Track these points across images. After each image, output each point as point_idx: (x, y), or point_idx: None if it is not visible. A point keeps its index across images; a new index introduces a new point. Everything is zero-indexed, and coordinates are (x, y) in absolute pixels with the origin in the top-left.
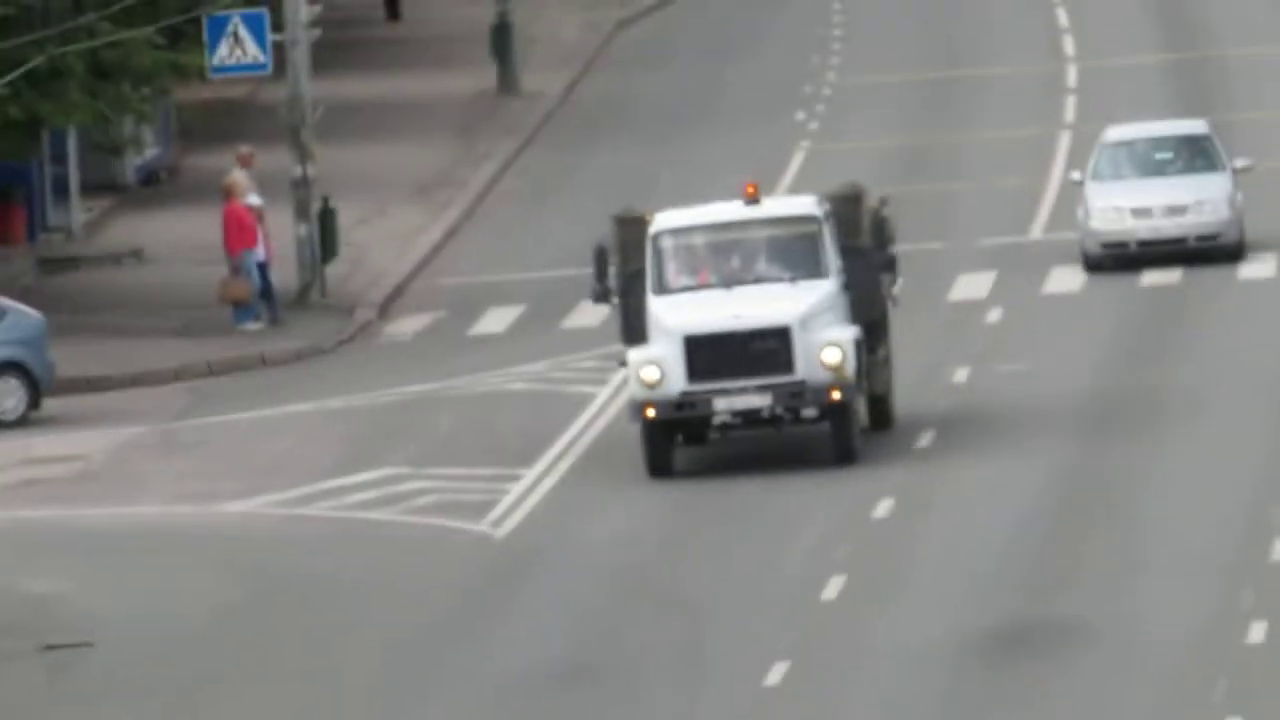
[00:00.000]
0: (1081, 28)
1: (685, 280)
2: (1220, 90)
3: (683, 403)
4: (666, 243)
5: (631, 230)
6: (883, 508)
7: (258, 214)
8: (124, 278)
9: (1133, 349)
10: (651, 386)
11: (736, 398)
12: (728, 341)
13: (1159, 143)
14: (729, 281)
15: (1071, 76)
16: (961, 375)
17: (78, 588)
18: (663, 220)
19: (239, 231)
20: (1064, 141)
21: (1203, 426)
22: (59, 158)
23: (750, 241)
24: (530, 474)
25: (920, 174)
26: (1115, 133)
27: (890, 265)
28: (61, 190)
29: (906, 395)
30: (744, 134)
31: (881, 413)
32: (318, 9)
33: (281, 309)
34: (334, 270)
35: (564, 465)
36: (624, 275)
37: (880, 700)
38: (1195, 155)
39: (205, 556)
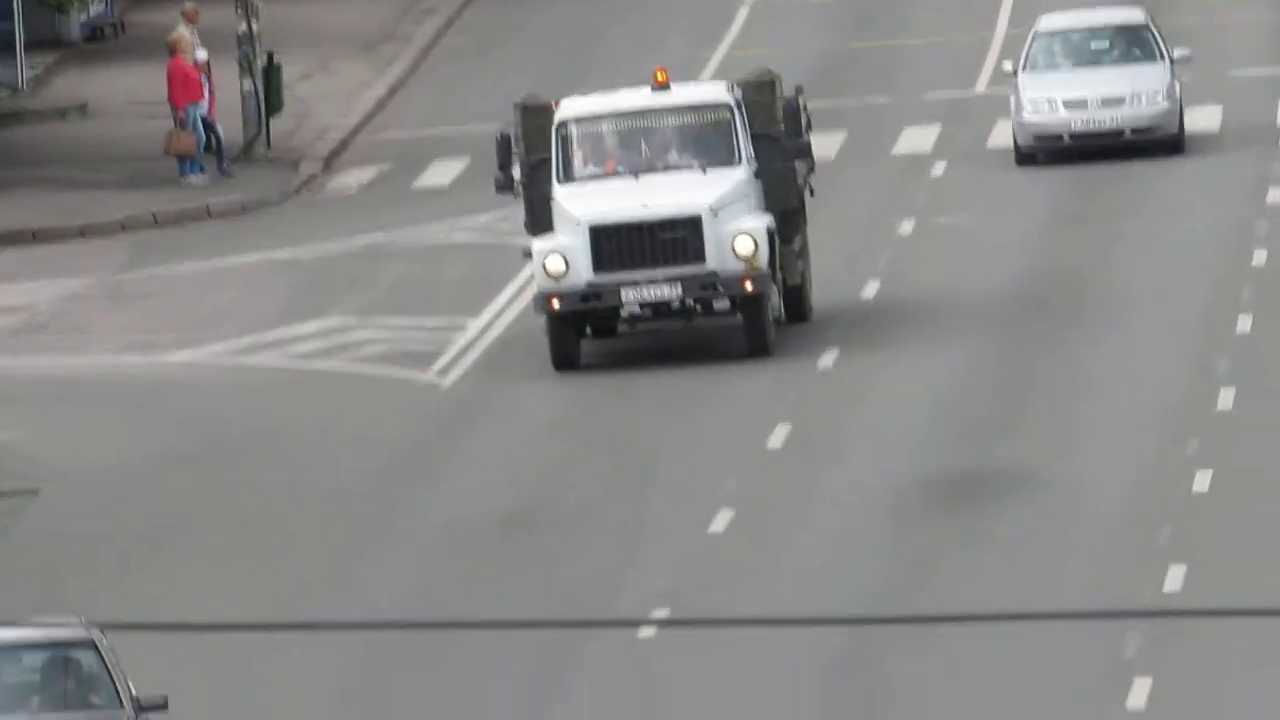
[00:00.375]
0: None
1: (592, 169)
2: None
3: (589, 294)
4: (572, 130)
5: (536, 118)
6: (827, 358)
7: (204, 69)
8: (70, 132)
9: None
10: (557, 278)
11: (645, 288)
12: (635, 231)
13: (1095, 32)
14: (637, 170)
15: None
16: (906, 228)
17: (25, 436)
18: (568, 107)
19: (184, 86)
20: None
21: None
22: (4, 14)
23: (659, 129)
24: (475, 324)
25: (867, 30)
26: (1049, 21)
27: (805, 153)
28: (7, 46)
29: (852, 247)
30: None
31: (798, 304)
32: None
33: (228, 162)
34: (279, 124)
35: (509, 316)
36: (528, 164)
37: (825, 542)
38: (1132, 45)
39: (152, 406)
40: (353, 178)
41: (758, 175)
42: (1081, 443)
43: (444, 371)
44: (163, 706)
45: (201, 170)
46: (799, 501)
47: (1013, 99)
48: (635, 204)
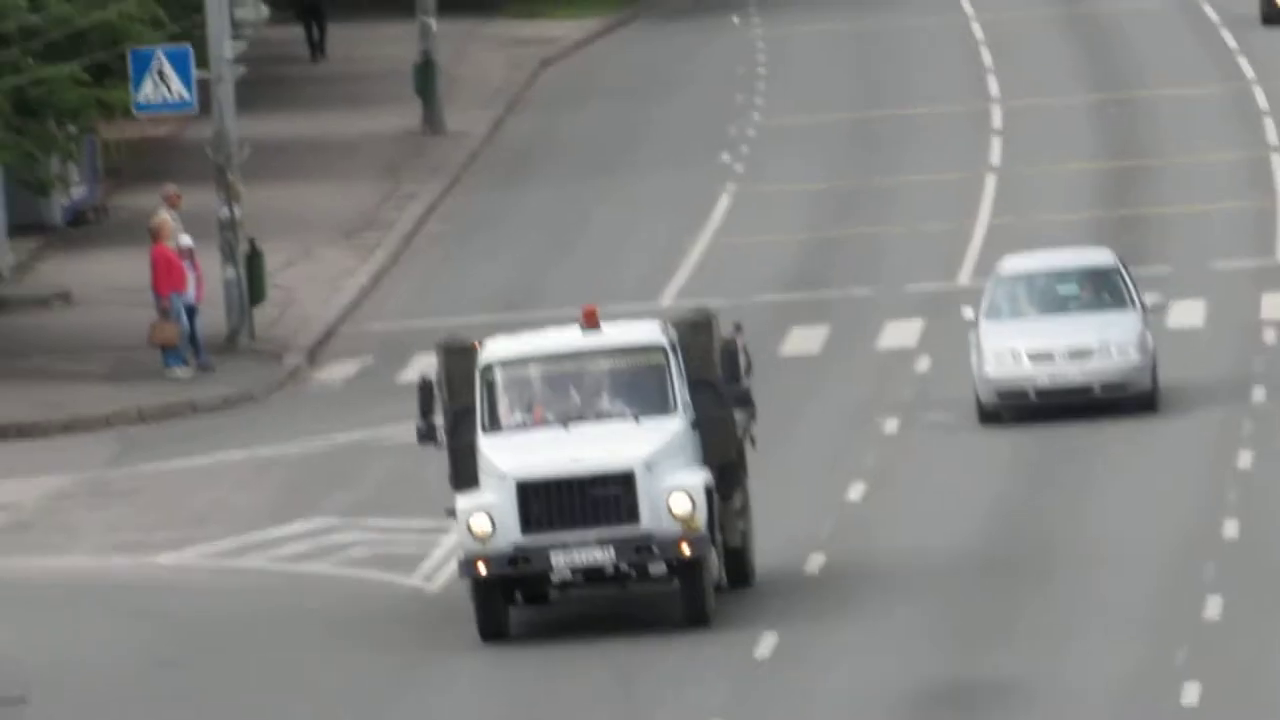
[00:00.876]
0: (1006, 67)
1: (519, 417)
2: (1148, 131)
3: (516, 557)
4: (497, 375)
5: (459, 361)
6: (768, 641)
7: (189, 254)
8: (53, 320)
9: None
10: (483, 540)
11: (576, 552)
12: (565, 488)
13: (1060, 276)
14: (566, 419)
15: (997, 117)
16: (891, 426)
17: (12, 640)
18: (492, 350)
19: (167, 273)
20: (990, 184)
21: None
22: None
23: (590, 374)
24: None
25: (848, 218)
26: (1012, 264)
27: (745, 400)
28: None
29: (838, 444)
30: (670, 175)
31: (739, 568)
32: (242, 45)
33: (208, 354)
34: (262, 314)
35: None
36: (452, 412)
37: None
38: (1101, 290)
39: (141, 608)
40: (337, 371)
41: (694, 425)
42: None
43: (429, 577)
44: None
45: (185, 362)
46: None
47: (973, 352)
48: (565, 457)
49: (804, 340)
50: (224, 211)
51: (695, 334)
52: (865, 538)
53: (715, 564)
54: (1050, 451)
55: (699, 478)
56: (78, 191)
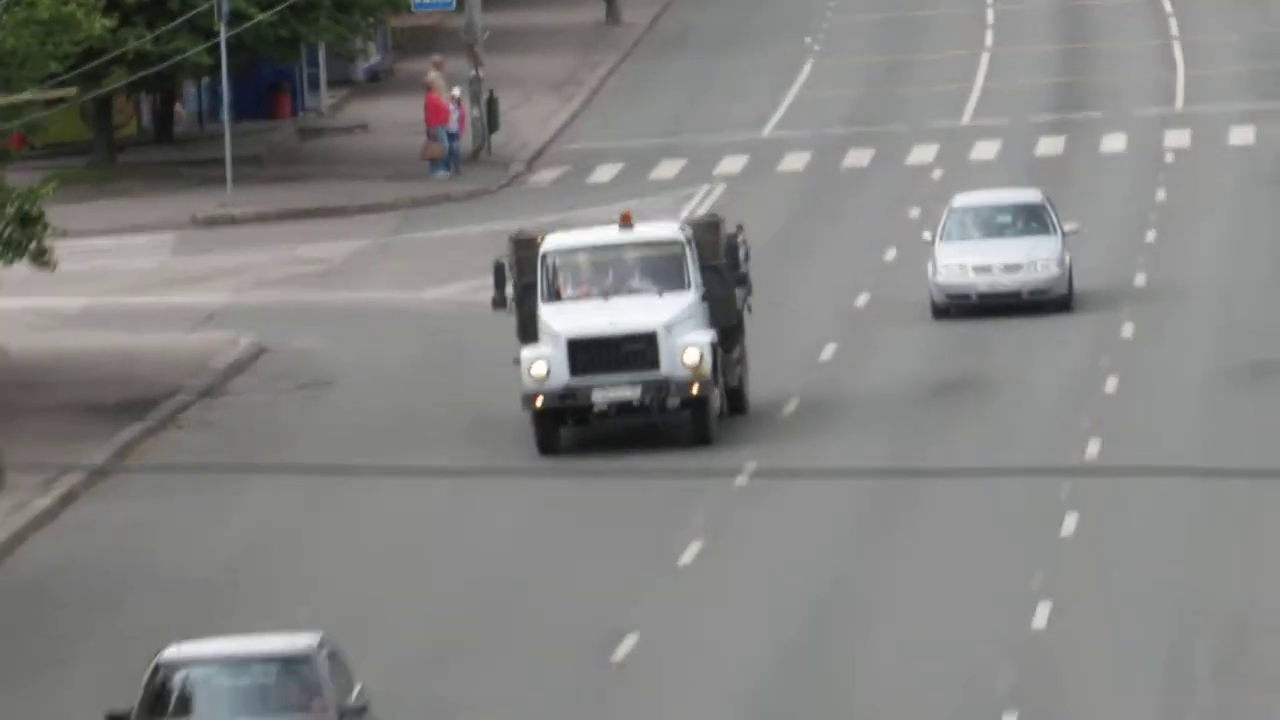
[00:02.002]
0: None
1: (570, 291)
2: (1090, 25)
3: (566, 394)
4: (555, 260)
5: (525, 249)
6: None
7: (455, 100)
8: (355, 142)
9: None
10: (540, 380)
11: (611, 390)
12: (604, 343)
13: (999, 209)
14: (607, 293)
15: (990, 17)
16: (915, 212)
17: (324, 346)
18: (551, 241)
19: (434, 112)
20: (984, 59)
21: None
22: (312, 61)
23: (624, 260)
24: None
25: (888, 80)
26: (962, 199)
27: (743, 282)
28: (314, 83)
29: (879, 228)
30: (771, 51)
31: (737, 401)
32: None
33: (460, 164)
34: (496, 139)
35: None
36: (519, 286)
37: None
38: (1030, 219)
39: (410, 326)
40: (545, 176)
41: (704, 299)
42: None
43: None
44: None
45: (445, 169)
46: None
47: (929, 265)
48: (604, 321)
49: (857, 158)
50: (472, 73)
51: (706, 232)
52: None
53: (718, 400)
54: (984, 332)
55: (706, 336)
56: (374, 59)
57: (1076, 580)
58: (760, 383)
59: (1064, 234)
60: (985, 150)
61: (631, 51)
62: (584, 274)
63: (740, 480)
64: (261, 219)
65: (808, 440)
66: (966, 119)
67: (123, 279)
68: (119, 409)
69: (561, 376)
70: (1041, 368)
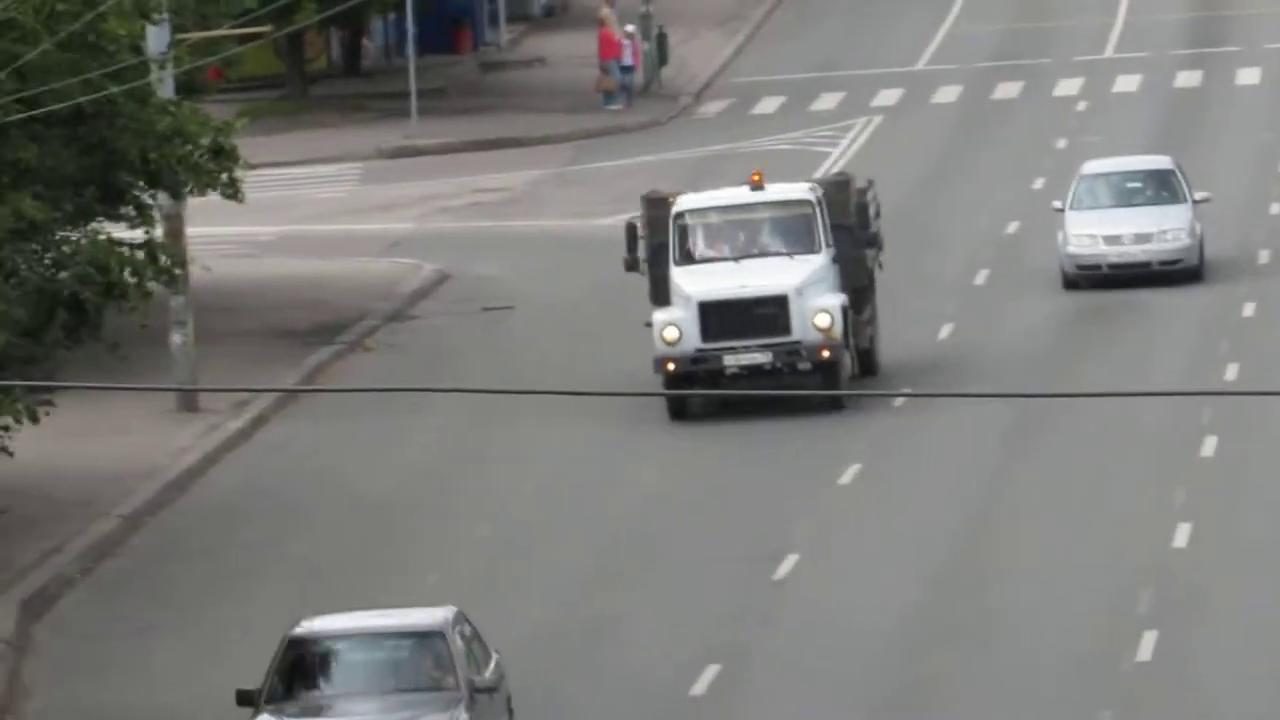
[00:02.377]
0: None
1: (702, 252)
2: None
3: (698, 358)
4: (687, 221)
5: (657, 209)
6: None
7: (629, 36)
8: (533, 76)
9: None
10: (672, 344)
11: (743, 355)
12: (735, 307)
13: (1129, 176)
14: (738, 254)
15: None
16: (1062, 143)
17: (505, 272)
18: (683, 202)
19: (607, 46)
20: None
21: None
22: None
23: (755, 221)
24: None
25: (1036, 18)
26: (1091, 166)
27: (873, 242)
28: (494, 19)
29: (1028, 155)
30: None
31: (868, 362)
32: None
33: (632, 97)
34: (666, 72)
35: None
36: (651, 247)
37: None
38: (1161, 188)
39: (585, 253)
40: (712, 108)
41: (835, 260)
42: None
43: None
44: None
45: (618, 102)
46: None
47: (1059, 234)
48: (735, 284)
49: (1006, 90)
50: (642, 9)
51: (837, 191)
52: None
53: (850, 362)
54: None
55: (837, 299)
56: None
57: (1217, 501)
58: (914, 309)
59: (1194, 202)
60: (1127, 83)
61: None
62: (716, 235)
63: (896, 403)
64: (444, 150)
65: (959, 367)
66: (1109, 52)
67: (313, 208)
68: (309, 333)
69: (694, 340)
70: (1179, 298)
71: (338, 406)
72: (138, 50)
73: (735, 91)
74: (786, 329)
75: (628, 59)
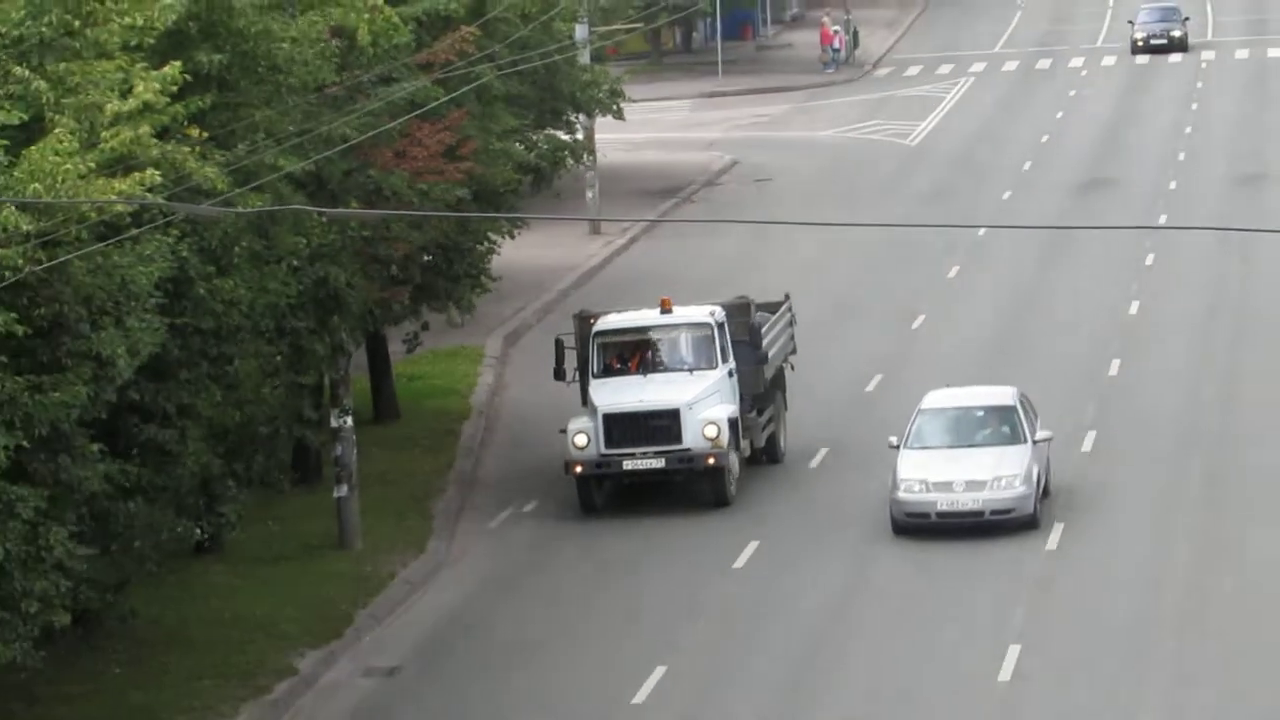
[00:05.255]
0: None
1: (616, 367)
2: None
3: (601, 463)
4: (604, 339)
5: (585, 327)
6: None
7: (836, 30)
8: (787, 53)
9: None
10: (581, 449)
11: (640, 460)
12: (634, 419)
13: (966, 413)
14: (646, 369)
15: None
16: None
17: (768, 159)
18: (602, 322)
19: (825, 37)
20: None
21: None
22: (763, 9)
23: (662, 340)
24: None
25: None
26: (931, 399)
27: (763, 360)
28: (764, 20)
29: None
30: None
31: (772, 452)
32: None
33: (839, 66)
34: (858, 53)
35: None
36: (580, 358)
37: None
38: (1001, 424)
39: (815, 149)
40: (881, 72)
41: (732, 373)
42: None
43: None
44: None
45: (831, 68)
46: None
47: (891, 474)
48: (635, 399)
49: (1043, 64)
50: (845, 16)
51: (738, 313)
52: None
53: (737, 465)
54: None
55: (726, 411)
56: (794, 10)
57: None
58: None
59: (1035, 443)
60: (1108, 60)
61: (928, 5)
62: (627, 352)
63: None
64: (736, 93)
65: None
66: (1099, 43)
67: (664, 125)
68: (661, 192)
69: (599, 446)
70: None
71: (679, 231)
72: (570, 36)
73: (894, 63)
74: (678, 438)
75: (836, 44)
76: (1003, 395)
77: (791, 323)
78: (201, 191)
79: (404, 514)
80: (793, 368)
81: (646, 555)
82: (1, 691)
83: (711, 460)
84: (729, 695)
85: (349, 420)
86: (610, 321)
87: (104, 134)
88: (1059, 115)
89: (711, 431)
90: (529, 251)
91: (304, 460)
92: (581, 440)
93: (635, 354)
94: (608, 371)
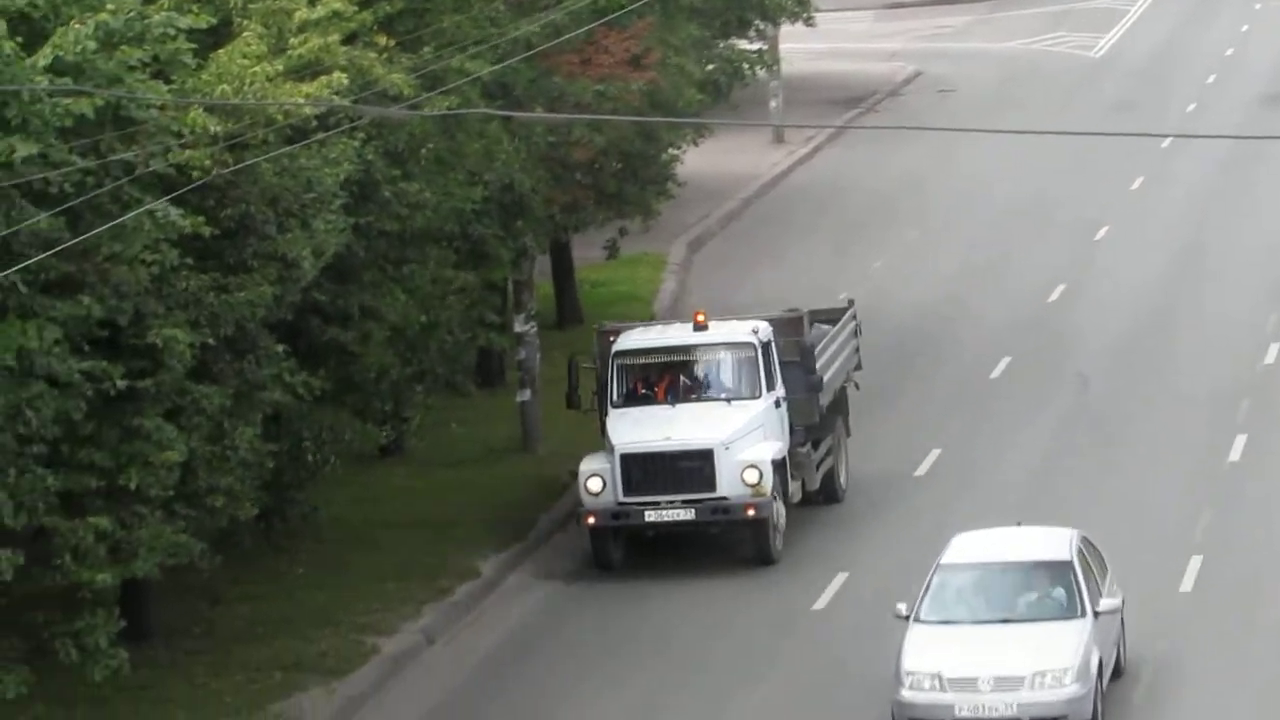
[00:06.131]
0: None
1: (639, 394)
2: None
3: (619, 513)
4: (625, 361)
5: (607, 344)
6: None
7: None
8: None
9: None
10: (595, 495)
11: (665, 510)
12: (659, 460)
13: (1005, 571)
14: (675, 398)
15: None
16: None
17: (950, 71)
18: (623, 341)
19: None
20: None
21: None
22: None
23: (695, 363)
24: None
25: None
26: (957, 549)
27: (817, 386)
28: None
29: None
30: None
31: (830, 491)
32: None
33: None
34: None
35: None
36: (600, 380)
37: None
38: (1051, 587)
39: (994, 60)
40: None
41: (780, 403)
42: None
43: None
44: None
45: None
46: None
47: (895, 663)
48: (660, 436)
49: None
50: None
51: (788, 329)
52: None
53: (782, 514)
54: None
55: (770, 451)
56: None
57: None
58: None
59: (1098, 615)
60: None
61: None
62: (654, 376)
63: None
64: (919, 3)
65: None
66: None
67: (847, 36)
68: (845, 102)
69: (616, 493)
70: None
71: (861, 141)
72: None
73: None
74: (711, 485)
75: None
76: (1056, 544)
77: (856, 333)
78: (388, 96)
79: (586, 419)
80: (857, 386)
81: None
82: (186, 591)
83: (752, 511)
84: None
85: (533, 325)
86: (632, 339)
87: (292, 41)
88: (1244, 29)
89: (752, 477)
90: (712, 159)
91: (487, 364)
92: (595, 485)
93: (662, 379)
94: (630, 399)
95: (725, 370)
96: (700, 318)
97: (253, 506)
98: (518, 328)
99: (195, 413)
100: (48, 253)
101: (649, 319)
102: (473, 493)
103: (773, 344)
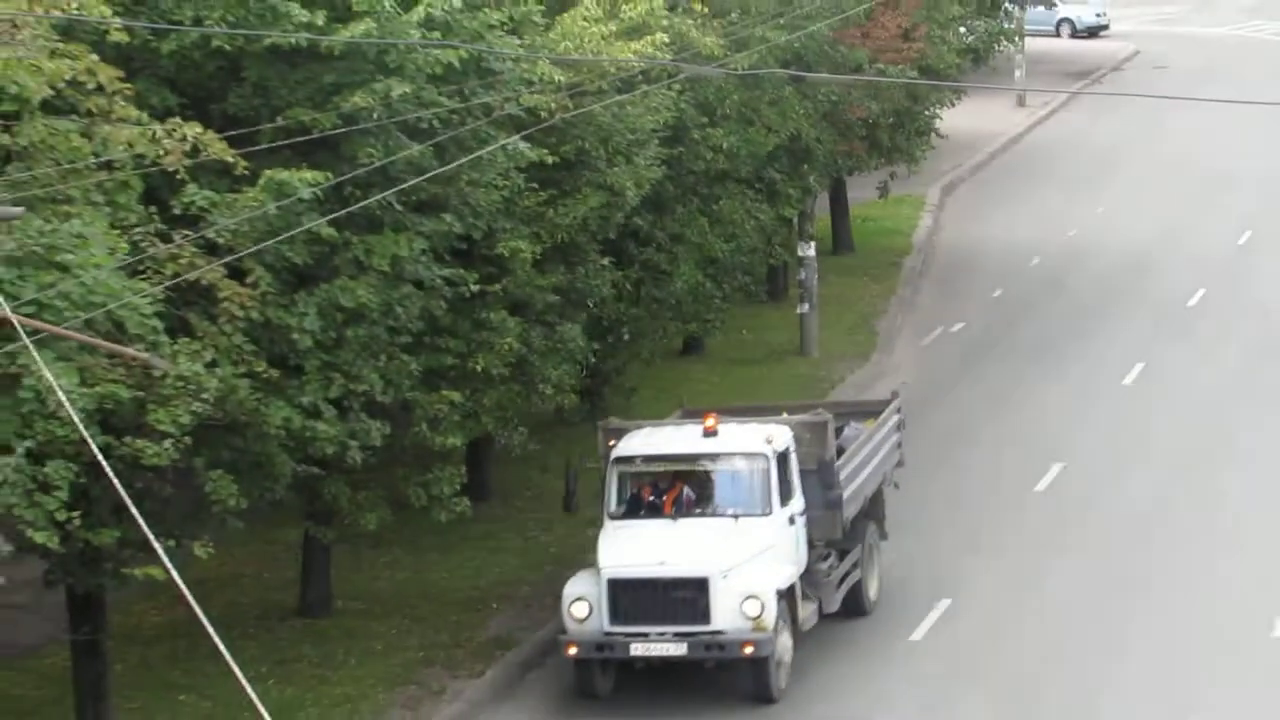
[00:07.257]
0: None
1: (639, 505)
2: None
3: (603, 644)
4: (623, 469)
5: (610, 443)
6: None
7: None
8: None
9: None
10: (579, 621)
11: (654, 643)
12: (649, 588)
13: None
14: (678, 511)
15: None
16: None
17: (1167, 50)
18: (624, 446)
19: None
20: None
21: None
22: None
23: (701, 474)
24: None
25: None
26: None
27: (835, 505)
28: None
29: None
30: None
31: (856, 605)
32: None
33: None
34: None
35: None
36: (602, 482)
37: None
38: None
39: (1218, 46)
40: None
41: (794, 519)
42: None
43: None
44: None
45: None
46: None
47: None
48: (654, 559)
49: None
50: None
51: (810, 434)
52: None
53: (789, 649)
54: None
55: (776, 579)
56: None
57: None
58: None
59: None
60: None
61: None
62: (655, 486)
63: None
64: None
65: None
66: None
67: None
68: (1076, 74)
69: (601, 622)
70: None
71: (1088, 108)
72: None
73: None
74: (706, 617)
75: None
76: None
77: (900, 427)
78: (701, 56)
79: (854, 329)
80: (896, 486)
81: None
82: (520, 460)
83: (750, 649)
84: None
85: (813, 250)
86: (634, 446)
87: (624, 6)
88: None
89: (753, 609)
90: (965, 119)
91: (774, 281)
92: (580, 610)
93: (667, 489)
94: (631, 509)
95: (735, 483)
96: (710, 423)
97: (576, 395)
98: (800, 252)
99: (532, 310)
100: (419, 179)
101: (908, 250)
102: (758, 386)
103: (791, 452)
